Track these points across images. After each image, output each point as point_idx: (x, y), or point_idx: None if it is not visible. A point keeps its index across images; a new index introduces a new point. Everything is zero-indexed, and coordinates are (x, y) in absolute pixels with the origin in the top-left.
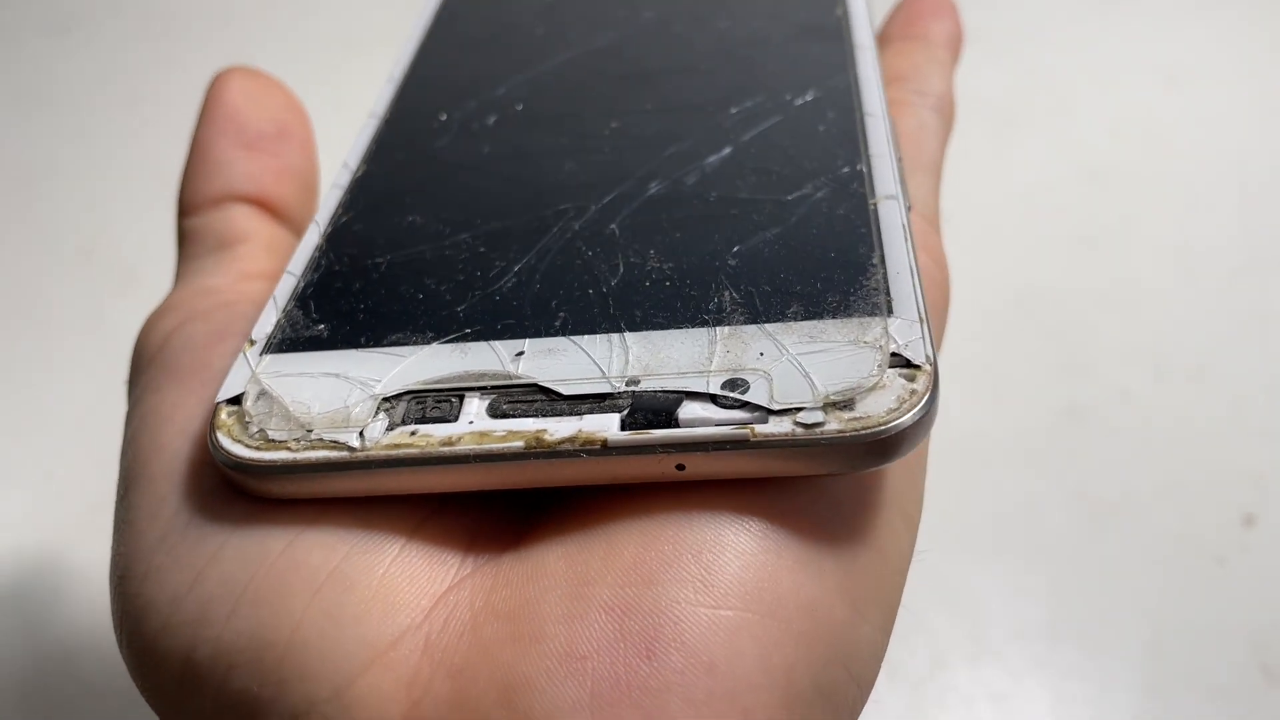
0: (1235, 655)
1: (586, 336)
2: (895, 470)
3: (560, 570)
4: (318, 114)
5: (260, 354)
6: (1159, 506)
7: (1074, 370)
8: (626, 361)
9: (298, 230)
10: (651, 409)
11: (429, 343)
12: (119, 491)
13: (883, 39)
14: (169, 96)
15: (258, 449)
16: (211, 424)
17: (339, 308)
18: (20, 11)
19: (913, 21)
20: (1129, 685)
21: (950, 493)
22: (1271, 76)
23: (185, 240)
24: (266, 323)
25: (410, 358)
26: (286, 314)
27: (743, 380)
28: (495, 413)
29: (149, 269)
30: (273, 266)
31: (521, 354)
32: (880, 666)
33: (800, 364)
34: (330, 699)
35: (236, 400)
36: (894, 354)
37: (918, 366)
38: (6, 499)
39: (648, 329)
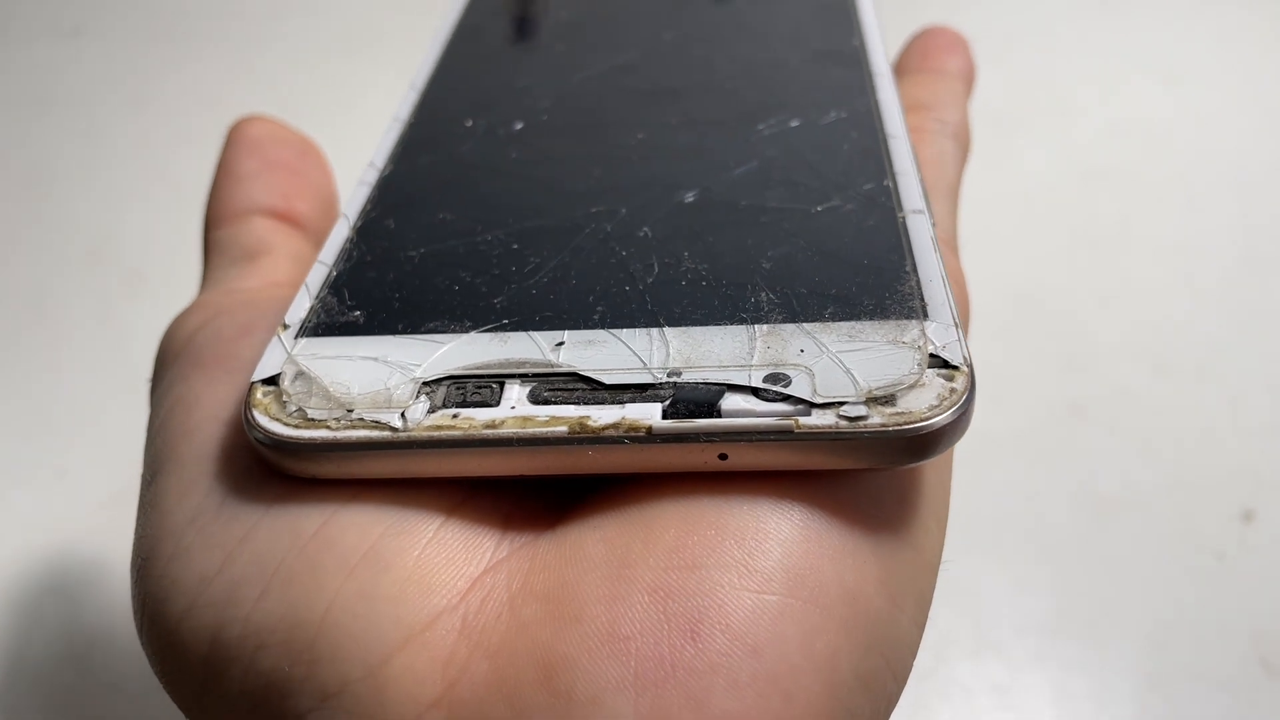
0: (1236, 649)
1: (626, 330)
2: (928, 472)
3: (599, 553)
4: (325, 115)
5: (295, 337)
6: (1159, 502)
7: (1075, 368)
8: (667, 354)
9: (320, 245)
10: (694, 400)
11: (467, 331)
12: (145, 479)
13: (899, 71)
14: (177, 99)
15: (297, 427)
16: (247, 403)
17: (374, 295)
18: (29, 14)
19: (928, 56)
20: (1130, 679)
21: (954, 489)
22: (1270, 76)
23: (211, 251)
24: (300, 308)
25: (449, 344)
26: (321, 300)
27: (784, 375)
28: (537, 399)
29: (156, 270)
30: (298, 276)
31: (561, 344)
32: (914, 663)
33: (841, 361)
34: (363, 678)
35: (272, 381)
36: (932, 355)
37: (956, 367)
38: (16, 497)
39: (686, 324)
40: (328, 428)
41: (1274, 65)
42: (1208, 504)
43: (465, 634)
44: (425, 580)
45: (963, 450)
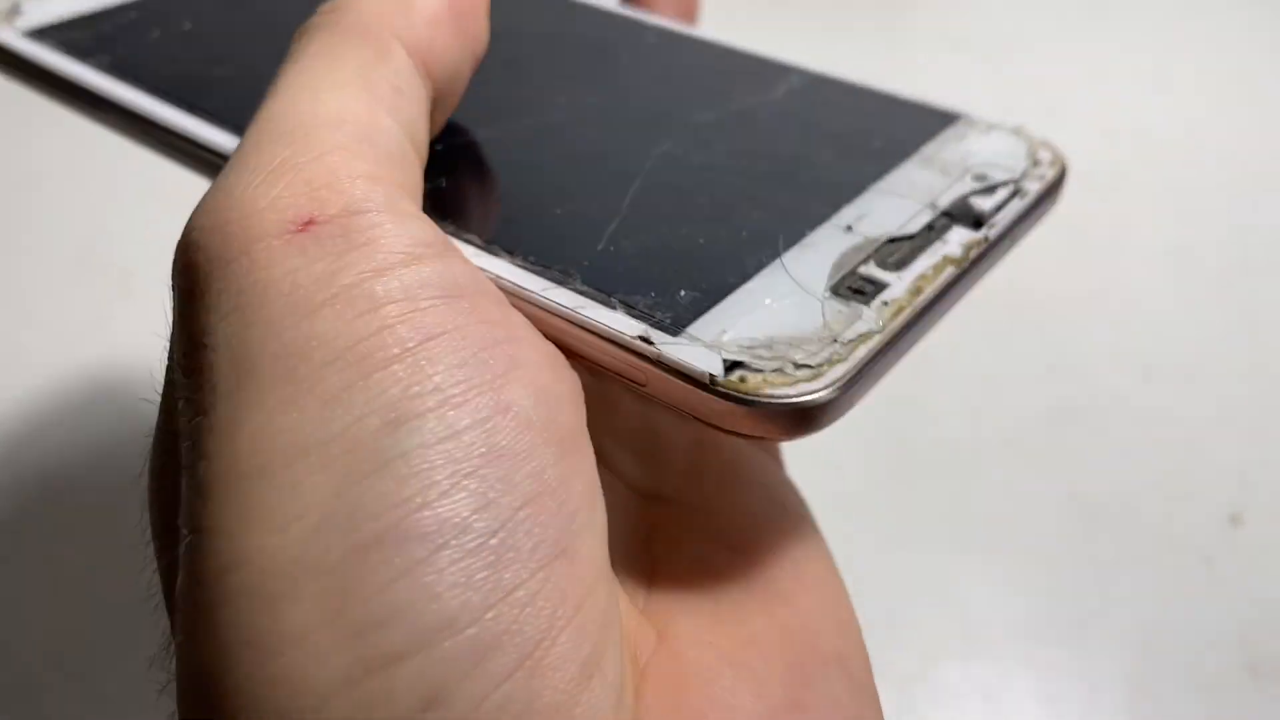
0: (1223, 654)
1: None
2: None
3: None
4: None
5: (712, 340)
6: (1147, 506)
7: (1063, 371)
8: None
9: (429, 125)
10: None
11: (759, 270)
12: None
13: None
14: None
15: (807, 380)
16: (736, 396)
17: (669, 274)
18: None
19: None
20: (1118, 683)
21: (941, 492)
22: (1259, 79)
23: (341, 59)
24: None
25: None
26: (650, 301)
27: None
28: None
29: (146, 274)
30: (407, 161)
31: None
32: None
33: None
34: None
35: (733, 367)
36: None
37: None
38: (11, 504)
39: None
40: (822, 365)
41: (1263, 71)
42: (1196, 508)
43: None
44: None
45: (952, 454)
